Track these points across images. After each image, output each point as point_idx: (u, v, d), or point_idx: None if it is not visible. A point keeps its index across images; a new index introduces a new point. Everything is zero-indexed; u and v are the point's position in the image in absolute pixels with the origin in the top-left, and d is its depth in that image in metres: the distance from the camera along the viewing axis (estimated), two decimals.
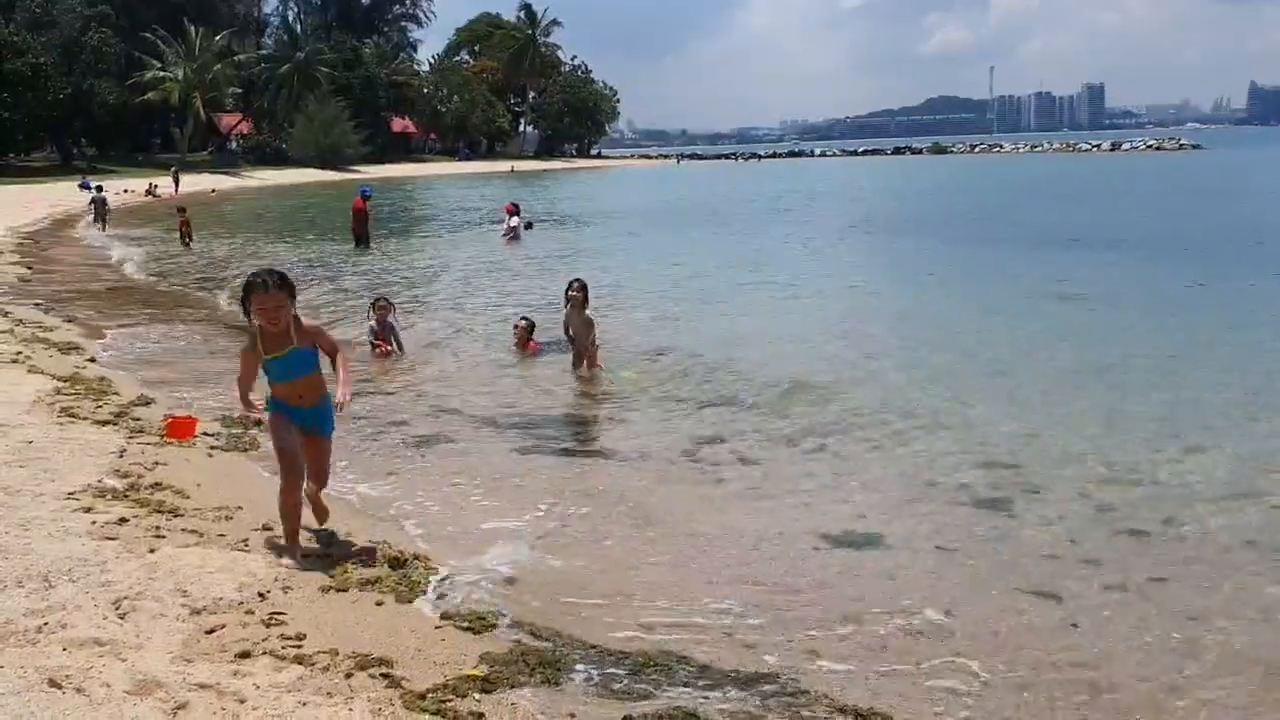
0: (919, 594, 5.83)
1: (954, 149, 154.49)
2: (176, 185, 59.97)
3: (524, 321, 13.06)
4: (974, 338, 13.80)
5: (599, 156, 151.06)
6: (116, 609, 4.96)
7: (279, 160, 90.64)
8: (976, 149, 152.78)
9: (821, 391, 10.66)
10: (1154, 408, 9.91)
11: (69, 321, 15.30)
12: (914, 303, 17.56)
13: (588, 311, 11.62)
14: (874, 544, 6.63)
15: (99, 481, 7.03)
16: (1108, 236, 27.15)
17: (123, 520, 6.26)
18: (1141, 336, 13.71)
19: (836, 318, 15.98)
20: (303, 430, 5.98)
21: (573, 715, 4.36)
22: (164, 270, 23.73)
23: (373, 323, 13.31)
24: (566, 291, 11.75)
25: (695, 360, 12.31)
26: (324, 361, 6.00)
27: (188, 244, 28.62)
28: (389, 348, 13.03)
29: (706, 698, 4.60)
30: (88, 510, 6.39)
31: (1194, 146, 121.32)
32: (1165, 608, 5.64)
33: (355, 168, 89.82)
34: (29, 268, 22.32)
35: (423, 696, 4.34)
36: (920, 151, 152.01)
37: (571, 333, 11.74)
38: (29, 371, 10.69)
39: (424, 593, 5.59)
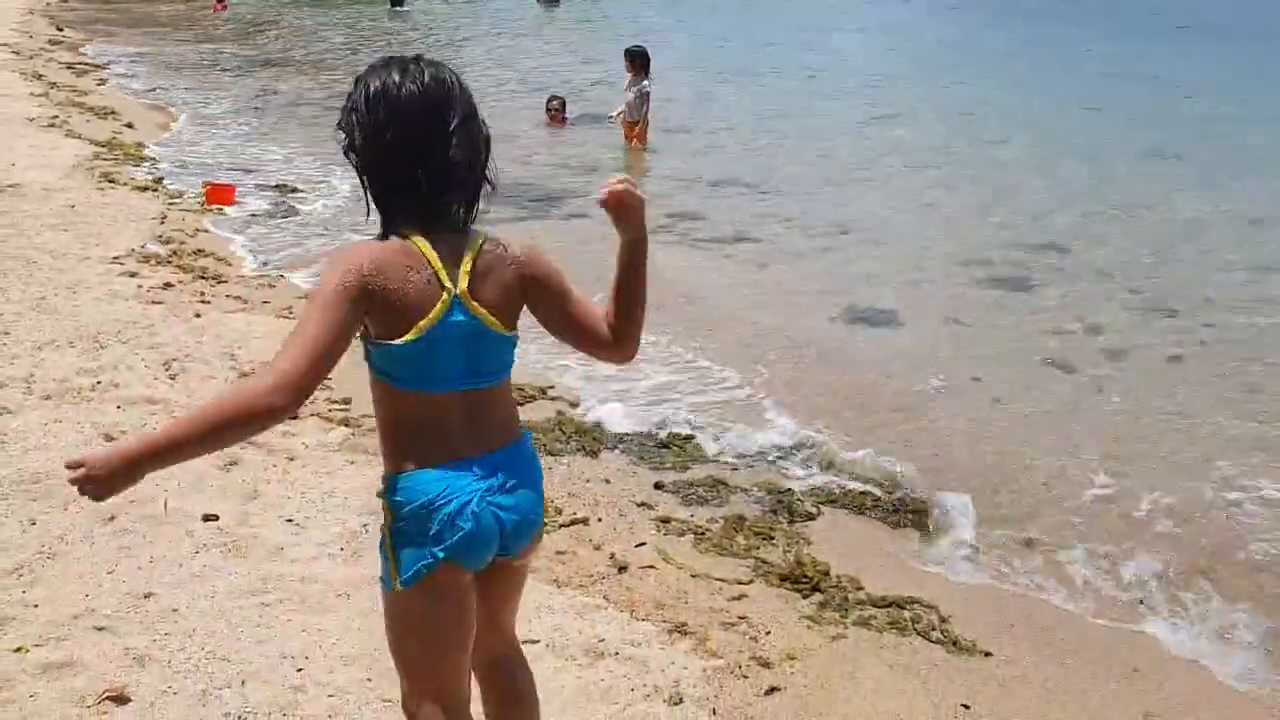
0: (937, 364, 5.91)
1: None
2: None
3: (555, 101, 12.78)
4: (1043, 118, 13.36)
5: None
6: (166, 370, 5.11)
7: None
8: None
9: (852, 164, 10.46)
10: None
11: (101, 84, 15.10)
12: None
13: (645, 83, 11.24)
14: (891, 322, 6.66)
15: (143, 246, 7.11)
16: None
17: (168, 285, 6.37)
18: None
19: (871, 98, 15.45)
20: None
21: (607, 481, 4.51)
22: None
23: None
24: (626, 58, 11.40)
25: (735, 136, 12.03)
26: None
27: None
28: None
29: (736, 468, 4.74)
30: (133, 275, 6.50)
31: None
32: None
33: None
34: (59, 29, 21.88)
35: None
36: None
37: (623, 107, 11.45)
38: (66, 136, 10.65)
39: None
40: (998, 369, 5.95)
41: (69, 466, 1.84)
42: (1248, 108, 14.57)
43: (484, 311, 2.04)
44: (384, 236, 2.04)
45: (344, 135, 2.08)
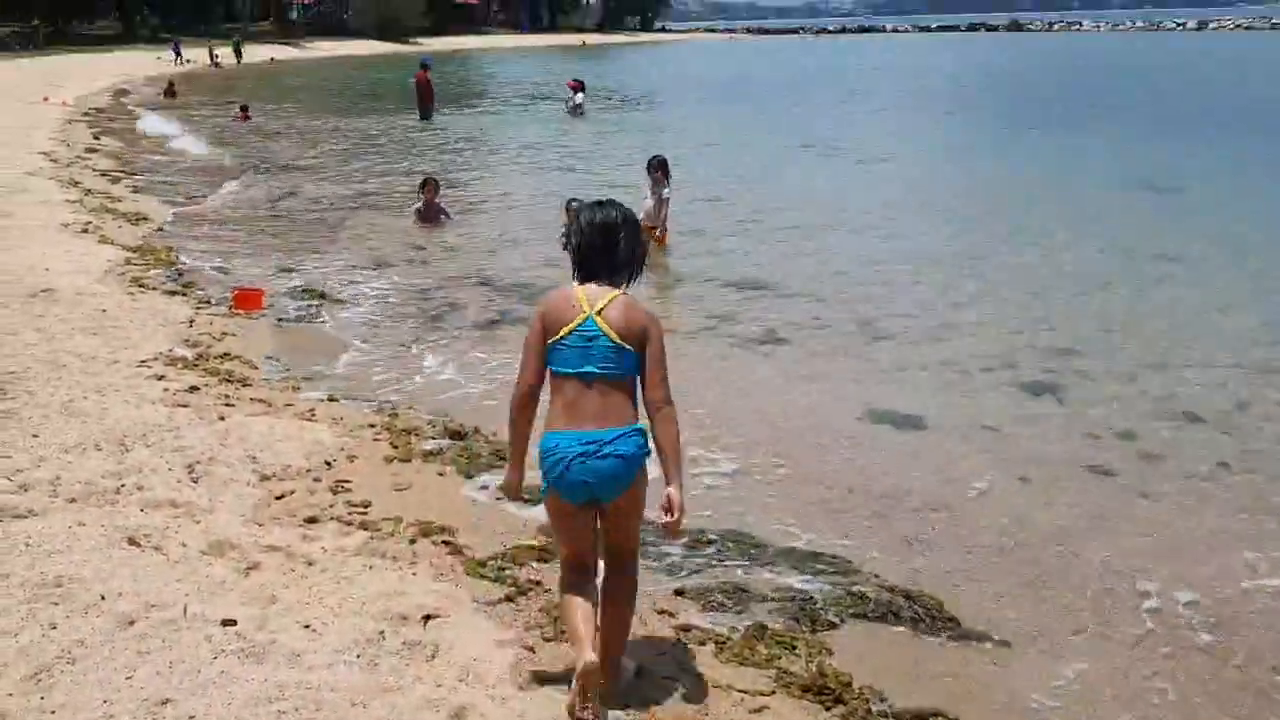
0: (966, 473, 5.86)
1: (1031, 25, 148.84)
2: (239, 56, 59.81)
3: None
4: (1046, 225, 13.48)
5: (663, 30, 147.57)
6: (190, 473, 5.15)
7: (340, 31, 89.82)
8: (1055, 27, 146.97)
9: (871, 274, 10.55)
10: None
11: (135, 191, 15.51)
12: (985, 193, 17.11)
13: (665, 190, 11.54)
14: (918, 426, 6.63)
15: (170, 350, 7.22)
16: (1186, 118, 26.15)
17: (193, 388, 6.45)
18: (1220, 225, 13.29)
19: (889, 196, 15.64)
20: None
21: None
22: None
23: (419, 205, 13.31)
24: (648, 170, 11.69)
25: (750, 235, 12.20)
26: None
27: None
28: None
29: (756, 573, 4.70)
30: (160, 378, 6.59)
31: None
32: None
33: (415, 40, 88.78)
34: (96, 138, 22.53)
35: (483, 564, 4.49)
36: (996, 28, 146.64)
37: (644, 214, 11.68)
38: (100, 242, 10.91)
39: (484, 464, 5.72)
40: (1031, 473, 5.90)
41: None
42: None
43: (606, 325, 3.43)
44: (574, 284, 3.58)
45: (565, 236, 3.68)
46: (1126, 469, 5.99)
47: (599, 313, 3.43)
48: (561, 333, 3.43)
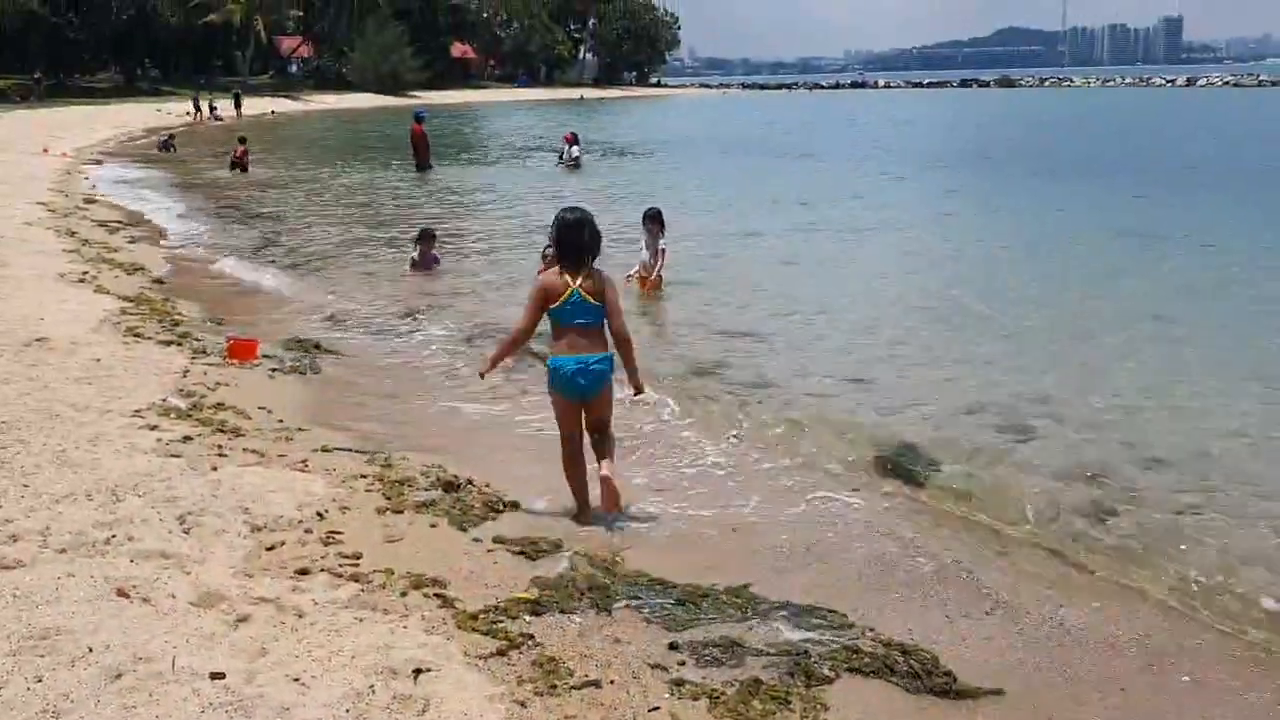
0: (958, 525, 5.84)
1: (1022, 82, 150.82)
2: (239, 108, 60.32)
3: (551, 250, 13.15)
4: (1039, 278, 13.56)
5: (658, 85, 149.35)
6: (181, 524, 5.12)
7: (339, 84, 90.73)
8: (1046, 83, 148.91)
9: (859, 329, 10.59)
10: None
11: (132, 242, 15.57)
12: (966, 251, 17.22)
13: (661, 242, 11.82)
14: (914, 480, 6.62)
15: (164, 400, 7.21)
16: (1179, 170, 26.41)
17: (187, 438, 6.44)
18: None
19: (878, 261, 15.73)
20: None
21: (619, 640, 4.44)
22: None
23: (414, 254, 13.40)
24: (643, 221, 11.99)
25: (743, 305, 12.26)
26: None
27: (242, 171, 27.54)
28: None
29: (752, 627, 4.66)
30: (153, 428, 6.57)
31: (1273, 83, 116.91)
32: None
33: (414, 93, 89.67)
34: (93, 188, 22.66)
35: (475, 617, 4.45)
36: (987, 84, 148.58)
37: (640, 264, 11.98)
38: (96, 291, 10.93)
39: (477, 517, 5.69)
40: (1022, 525, 5.88)
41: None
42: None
43: (585, 293, 5.57)
44: (558, 268, 5.69)
45: (549, 243, 6.44)
46: (1112, 518, 5.98)
47: (579, 286, 5.60)
48: (559, 301, 5.60)
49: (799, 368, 9.19)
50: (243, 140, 29.05)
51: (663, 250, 11.89)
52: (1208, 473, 6.74)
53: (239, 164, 27.83)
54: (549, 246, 13.38)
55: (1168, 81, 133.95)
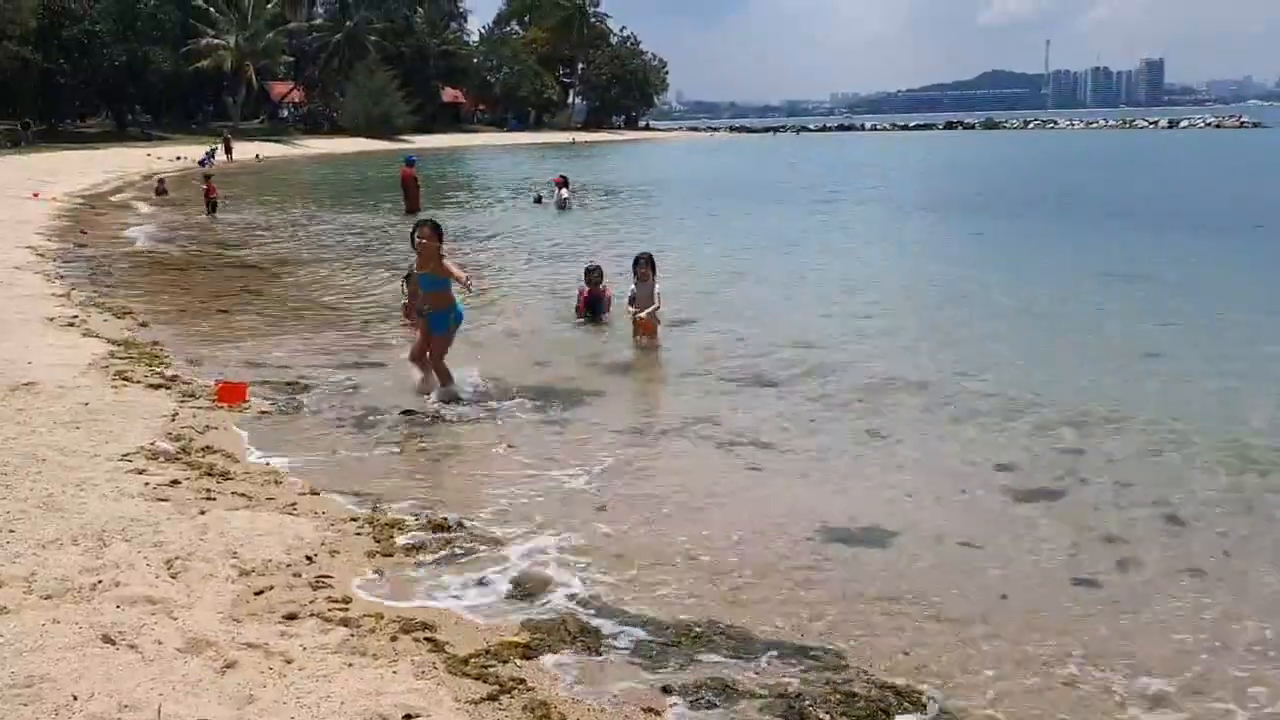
0: (959, 575, 5.81)
1: (1007, 124, 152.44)
2: (229, 151, 60.40)
3: (586, 288, 13.22)
4: (1036, 319, 13.64)
5: (647, 128, 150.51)
6: (168, 568, 5.07)
7: (330, 129, 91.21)
8: (1030, 125, 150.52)
9: (867, 371, 10.61)
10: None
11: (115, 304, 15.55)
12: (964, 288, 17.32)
13: (658, 289, 11.79)
14: (915, 529, 6.58)
15: (152, 444, 7.17)
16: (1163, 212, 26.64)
17: (174, 482, 6.40)
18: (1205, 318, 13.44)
19: (857, 296, 15.79)
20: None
21: (611, 683, 4.40)
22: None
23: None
24: (634, 266, 11.91)
25: (744, 341, 12.30)
26: None
27: (212, 213, 27.85)
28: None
29: (744, 668, 4.63)
30: (141, 472, 6.53)
31: (1255, 125, 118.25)
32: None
33: (404, 137, 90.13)
34: (83, 233, 22.68)
35: (465, 661, 4.41)
36: (972, 126, 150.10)
37: (635, 304, 11.91)
38: (84, 335, 10.90)
39: (467, 559, 5.65)
40: (1011, 589, 5.83)
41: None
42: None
43: (427, 271, 9.38)
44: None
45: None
46: (1110, 576, 5.90)
47: (420, 269, 9.33)
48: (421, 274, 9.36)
49: (795, 412, 9.17)
50: (208, 177, 29.95)
51: (659, 294, 11.86)
52: None
53: (211, 201, 28.23)
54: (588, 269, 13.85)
55: (1150, 124, 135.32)
